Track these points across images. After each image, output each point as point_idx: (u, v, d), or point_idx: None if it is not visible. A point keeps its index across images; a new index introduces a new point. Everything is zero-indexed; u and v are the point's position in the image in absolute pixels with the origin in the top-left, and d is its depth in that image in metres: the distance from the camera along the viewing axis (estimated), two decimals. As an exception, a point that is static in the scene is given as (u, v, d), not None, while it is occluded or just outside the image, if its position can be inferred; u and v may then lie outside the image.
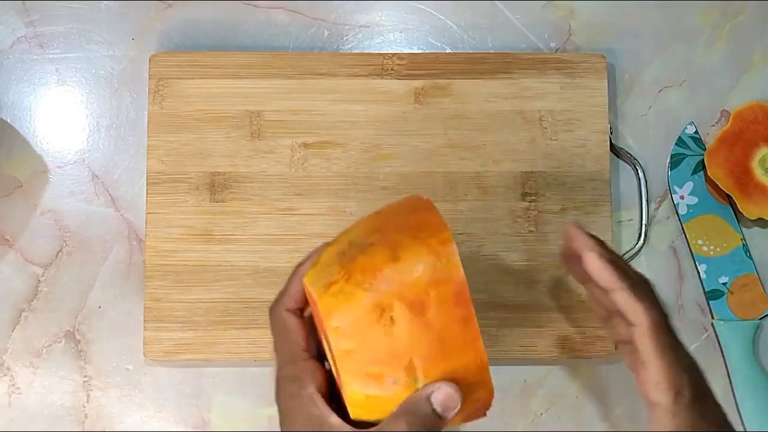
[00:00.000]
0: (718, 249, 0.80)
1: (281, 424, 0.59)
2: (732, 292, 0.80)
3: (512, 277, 0.79)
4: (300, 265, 0.62)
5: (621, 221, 0.82)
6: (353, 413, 0.57)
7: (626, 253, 0.81)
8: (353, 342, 0.56)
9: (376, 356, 0.56)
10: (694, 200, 0.81)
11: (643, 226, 0.81)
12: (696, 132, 0.82)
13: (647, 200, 0.81)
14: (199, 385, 0.79)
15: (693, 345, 0.80)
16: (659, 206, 0.82)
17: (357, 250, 0.57)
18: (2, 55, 0.83)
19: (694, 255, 0.80)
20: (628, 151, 0.82)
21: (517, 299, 0.79)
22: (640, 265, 0.81)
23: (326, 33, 0.83)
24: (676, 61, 0.84)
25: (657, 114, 0.83)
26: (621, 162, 0.82)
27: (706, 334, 0.81)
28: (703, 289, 0.80)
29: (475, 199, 0.79)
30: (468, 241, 0.79)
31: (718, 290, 0.80)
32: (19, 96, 0.82)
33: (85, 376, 0.79)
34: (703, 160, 0.81)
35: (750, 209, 0.80)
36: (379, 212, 0.61)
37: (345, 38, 0.83)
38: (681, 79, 0.83)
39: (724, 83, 0.83)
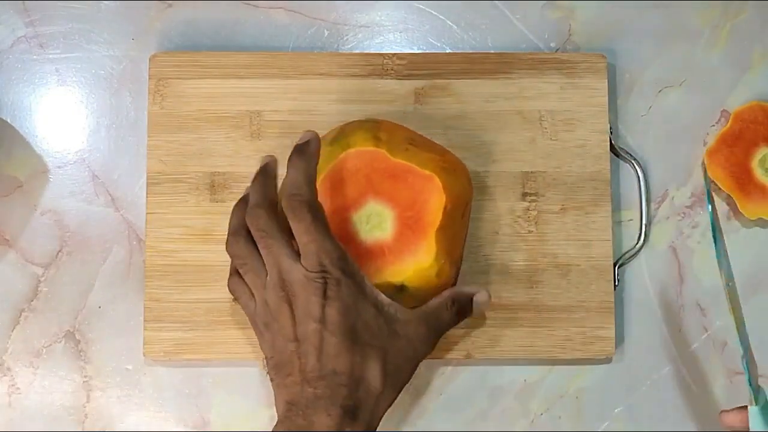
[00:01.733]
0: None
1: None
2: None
3: (512, 277, 0.79)
4: (303, 153, 0.69)
5: (621, 221, 0.82)
6: None
7: (626, 253, 0.81)
8: None
9: None
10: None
11: (643, 226, 0.81)
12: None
13: (647, 200, 0.81)
14: (199, 385, 0.79)
15: (693, 345, 0.81)
16: (659, 206, 0.82)
17: None
18: (2, 55, 0.83)
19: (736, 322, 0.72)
20: (628, 151, 0.82)
21: (517, 299, 0.79)
22: (640, 265, 0.81)
23: (326, 33, 0.83)
24: (676, 61, 0.84)
25: (657, 114, 0.83)
26: (621, 162, 0.82)
27: (706, 334, 0.81)
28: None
29: (475, 199, 0.79)
30: (468, 241, 0.79)
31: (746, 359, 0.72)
32: (19, 96, 0.82)
33: (85, 376, 0.79)
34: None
35: (750, 209, 0.80)
36: None
37: (345, 38, 0.83)
38: (681, 79, 0.83)
39: (724, 83, 0.83)
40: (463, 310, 0.72)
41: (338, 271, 0.66)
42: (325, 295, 0.65)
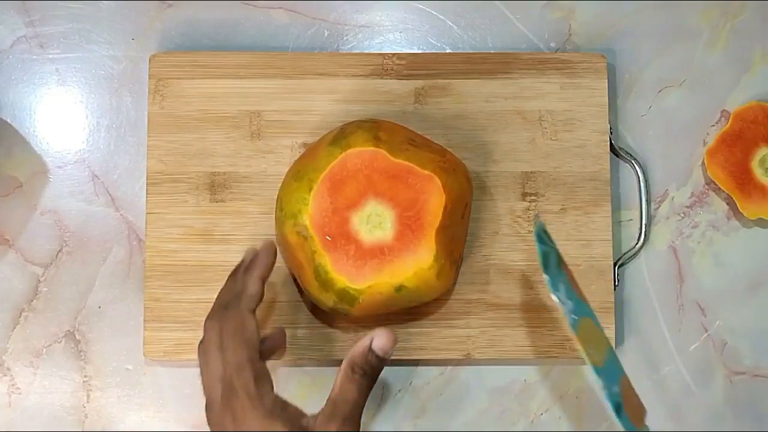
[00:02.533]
0: (599, 356, 0.67)
1: (235, 421, 0.62)
2: (624, 401, 0.66)
3: (512, 277, 0.79)
4: (250, 267, 0.68)
5: (621, 221, 0.82)
6: None
7: (626, 253, 0.81)
8: None
9: None
10: (571, 305, 0.67)
11: (643, 226, 0.81)
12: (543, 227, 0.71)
13: (647, 200, 0.81)
14: (199, 385, 0.79)
15: (693, 345, 0.81)
16: (659, 206, 0.82)
17: None
18: (2, 55, 0.83)
19: (593, 367, 0.66)
20: (628, 151, 0.82)
21: (517, 299, 0.79)
22: (640, 265, 0.81)
23: (326, 33, 0.83)
24: (676, 61, 0.84)
25: (657, 114, 0.83)
26: (621, 162, 0.82)
27: (705, 334, 0.81)
28: (612, 408, 0.65)
29: (475, 199, 0.79)
30: (468, 241, 0.79)
31: (619, 403, 0.65)
32: (19, 96, 0.82)
33: (85, 376, 0.79)
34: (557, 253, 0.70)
35: (750, 209, 0.80)
36: None
37: (345, 38, 0.83)
38: (681, 79, 0.83)
39: (724, 83, 0.83)
40: (370, 369, 0.64)
41: (243, 393, 0.62)
42: (234, 418, 0.62)
